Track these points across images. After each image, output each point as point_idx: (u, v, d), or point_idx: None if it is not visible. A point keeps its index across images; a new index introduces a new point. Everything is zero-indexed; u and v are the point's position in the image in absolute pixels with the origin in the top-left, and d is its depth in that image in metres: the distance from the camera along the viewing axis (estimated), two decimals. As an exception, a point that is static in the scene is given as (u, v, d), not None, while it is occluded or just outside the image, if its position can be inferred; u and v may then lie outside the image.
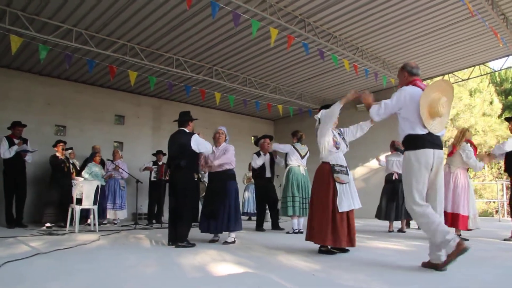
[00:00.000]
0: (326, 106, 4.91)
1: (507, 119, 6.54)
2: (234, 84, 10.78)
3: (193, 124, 5.73)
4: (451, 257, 3.30)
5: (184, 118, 5.64)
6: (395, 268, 3.67)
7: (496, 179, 20.24)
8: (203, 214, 5.87)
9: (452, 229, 3.43)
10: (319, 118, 4.88)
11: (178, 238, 5.27)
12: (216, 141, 6.04)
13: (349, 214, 4.53)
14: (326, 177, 4.56)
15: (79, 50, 8.40)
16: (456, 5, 7.49)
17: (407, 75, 3.82)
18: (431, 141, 3.57)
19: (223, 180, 5.87)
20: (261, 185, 8.24)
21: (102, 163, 9.45)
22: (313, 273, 3.44)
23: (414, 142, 3.59)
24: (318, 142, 4.69)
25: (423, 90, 3.63)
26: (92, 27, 7.93)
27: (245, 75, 10.97)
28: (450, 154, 6.29)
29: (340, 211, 4.40)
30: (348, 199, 4.49)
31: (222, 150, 5.95)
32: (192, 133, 5.57)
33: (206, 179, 10.02)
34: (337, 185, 4.48)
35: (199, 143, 5.50)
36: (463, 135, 6.26)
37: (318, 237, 4.45)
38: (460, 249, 3.24)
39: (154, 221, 9.71)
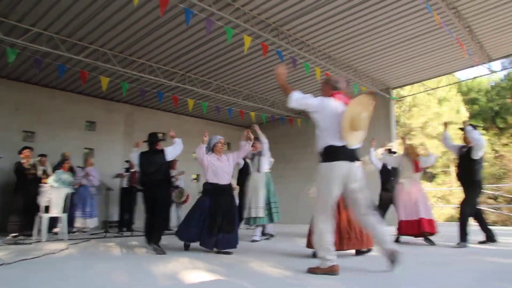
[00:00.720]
0: None
1: (461, 129, 6.30)
2: (207, 91, 10.77)
3: (161, 143, 6.04)
4: (318, 271, 3.61)
5: (154, 140, 5.99)
6: (366, 273, 3.72)
7: (463, 185, 20.78)
8: (210, 231, 5.46)
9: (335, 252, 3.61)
10: None
11: (152, 241, 5.43)
12: (217, 151, 5.93)
13: None
14: None
15: (49, 55, 8.25)
16: (424, 17, 7.75)
17: (330, 88, 3.96)
18: (346, 153, 3.69)
19: (229, 193, 5.91)
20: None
21: (72, 170, 9.21)
22: (285, 279, 3.46)
23: (329, 154, 3.70)
24: None
25: (343, 103, 3.77)
26: (63, 31, 7.79)
27: (218, 82, 10.97)
28: (416, 171, 6.52)
29: None
30: None
31: (226, 158, 5.94)
32: (162, 150, 5.88)
33: (180, 185, 9.95)
34: None
35: (172, 153, 5.92)
36: (414, 149, 6.64)
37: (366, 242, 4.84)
38: (330, 270, 3.55)
39: (124, 229, 9.53)
